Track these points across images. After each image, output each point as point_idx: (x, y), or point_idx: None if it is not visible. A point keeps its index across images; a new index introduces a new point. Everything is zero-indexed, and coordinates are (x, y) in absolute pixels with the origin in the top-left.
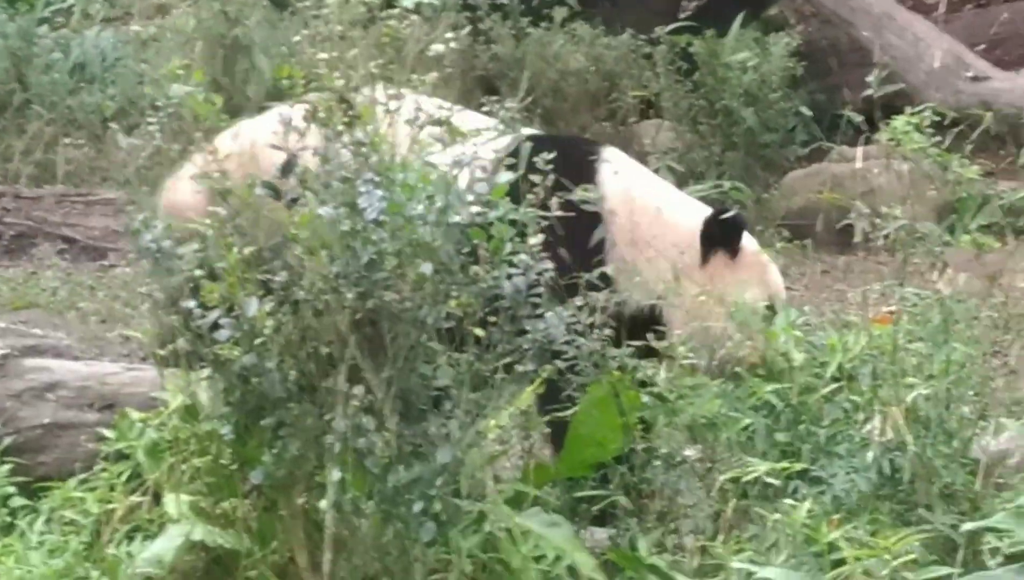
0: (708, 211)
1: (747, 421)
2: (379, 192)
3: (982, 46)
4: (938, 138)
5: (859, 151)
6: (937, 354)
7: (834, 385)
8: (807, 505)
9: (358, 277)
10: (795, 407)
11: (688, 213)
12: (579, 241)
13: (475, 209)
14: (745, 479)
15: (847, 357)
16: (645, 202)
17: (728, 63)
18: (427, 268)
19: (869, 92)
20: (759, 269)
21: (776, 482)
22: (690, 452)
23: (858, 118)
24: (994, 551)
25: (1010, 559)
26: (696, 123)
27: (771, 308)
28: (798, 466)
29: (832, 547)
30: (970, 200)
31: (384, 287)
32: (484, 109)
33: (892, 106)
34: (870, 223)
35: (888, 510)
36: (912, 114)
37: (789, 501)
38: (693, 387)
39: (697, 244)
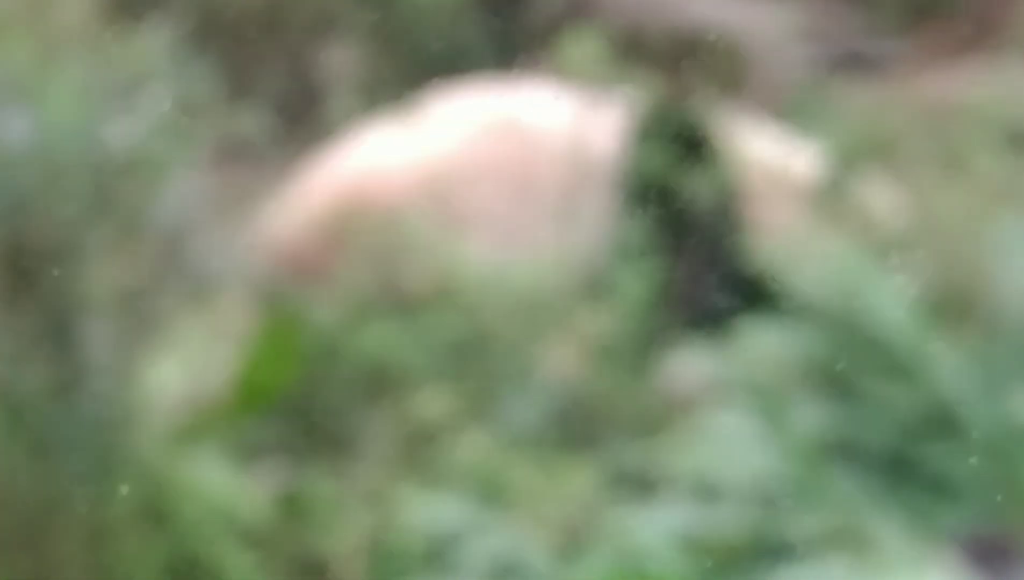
0: None
1: (423, 351)
2: (22, 119)
3: None
4: (616, 61)
5: (530, 75)
6: (619, 275)
7: (514, 313)
8: (483, 440)
9: (3, 209)
10: (471, 339)
11: None
12: None
13: (127, 137)
14: (420, 411)
15: (526, 284)
16: None
17: None
18: (74, 198)
19: (551, 12)
20: None
21: (450, 417)
22: (362, 386)
23: (522, 39)
24: (670, 479)
25: (685, 486)
26: (377, 44)
27: None
28: (472, 400)
29: (507, 478)
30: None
31: (29, 218)
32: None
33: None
34: None
35: (569, 442)
36: (586, 35)
37: (466, 436)
38: (367, 317)
39: None
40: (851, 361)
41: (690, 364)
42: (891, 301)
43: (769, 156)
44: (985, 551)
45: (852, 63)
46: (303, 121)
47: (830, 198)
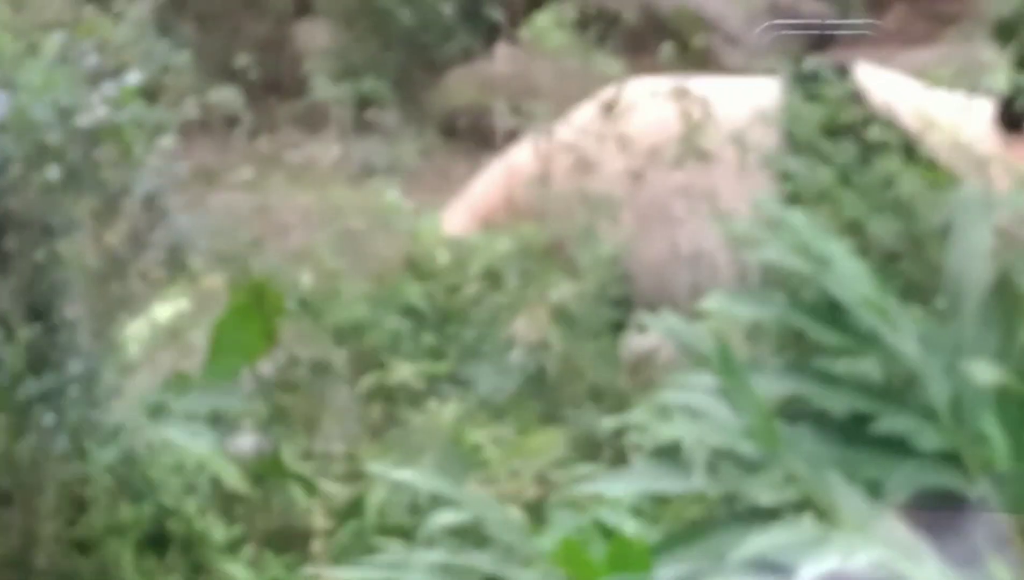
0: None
1: (393, 324)
2: (2, 94)
3: None
4: (583, 35)
5: (501, 49)
6: (584, 251)
7: (482, 285)
8: (453, 407)
9: None
10: (442, 308)
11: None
12: None
13: (103, 112)
14: (391, 382)
15: (494, 256)
16: None
17: None
18: (53, 173)
19: None
20: None
21: (422, 385)
22: (337, 357)
23: (495, 15)
24: (637, 447)
25: (652, 454)
26: (354, 22)
27: None
28: (443, 368)
29: (477, 448)
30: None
31: (10, 193)
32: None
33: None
34: (514, 121)
35: (536, 410)
36: (552, 11)
37: (435, 404)
38: (338, 290)
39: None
40: (816, 329)
41: (657, 332)
42: (856, 272)
43: (942, 113)
44: (941, 509)
45: (822, 40)
46: (279, 96)
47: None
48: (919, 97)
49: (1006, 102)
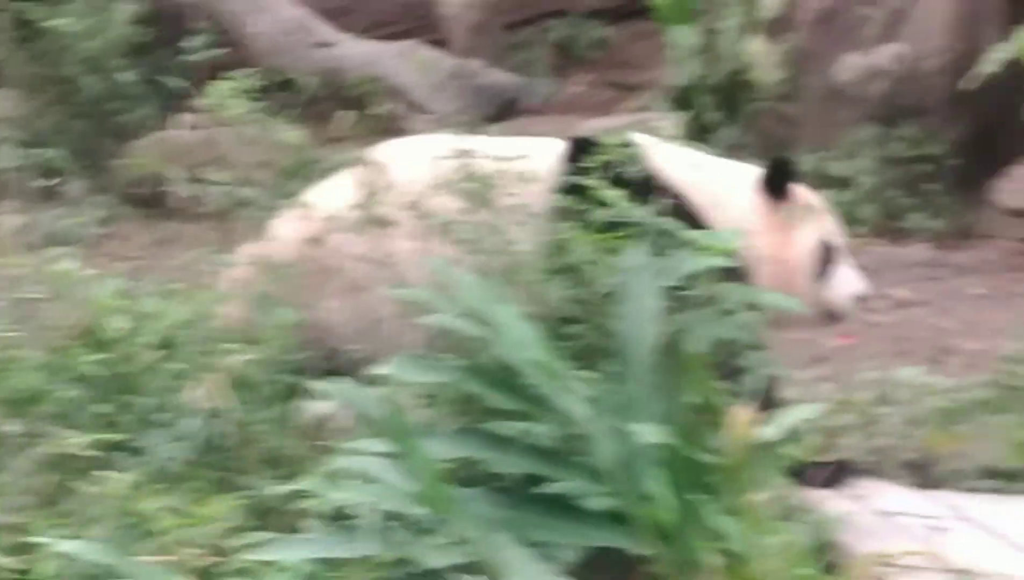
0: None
1: (69, 393)
2: None
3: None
4: (264, 103)
5: (187, 118)
6: (263, 318)
7: (159, 353)
8: (127, 477)
9: None
10: (118, 377)
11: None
12: None
13: None
14: (64, 452)
15: (171, 324)
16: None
17: (65, 30)
18: None
19: (202, 57)
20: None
21: (96, 454)
22: (8, 427)
23: (179, 84)
24: (309, 510)
25: (323, 517)
26: (40, 91)
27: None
28: (118, 437)
29: (149, 517)
30: (302, 165)
31: None
32: None
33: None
34: (197, 189)
35: (212, 478)
36: (235, 80)
37: (110, 473)
38: (12, 359)
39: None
40: (489, 394)
41: (333, 399)
42: (526, 336)
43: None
44: (610, 570)
45: (507, 106)
46: None
47: None
48: (691, 162)
49: (771, 168)
